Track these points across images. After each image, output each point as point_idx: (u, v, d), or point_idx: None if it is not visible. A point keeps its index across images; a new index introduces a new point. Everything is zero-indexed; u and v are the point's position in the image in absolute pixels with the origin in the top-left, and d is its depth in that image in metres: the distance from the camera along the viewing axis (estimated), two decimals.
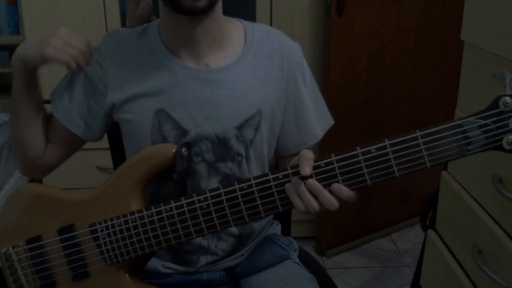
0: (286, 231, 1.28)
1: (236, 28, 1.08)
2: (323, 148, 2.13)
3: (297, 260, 1.16)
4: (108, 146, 1.20)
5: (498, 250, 1.08)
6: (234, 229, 1.10)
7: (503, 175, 1.06)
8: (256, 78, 1.05)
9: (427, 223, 1.51)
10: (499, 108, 0.78)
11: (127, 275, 1.00)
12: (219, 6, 1.01)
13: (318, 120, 1.13)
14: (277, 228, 1.23)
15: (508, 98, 0.78)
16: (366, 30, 2.12)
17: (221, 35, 1.05)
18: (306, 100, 1.10)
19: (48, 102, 1.08)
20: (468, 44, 1.21)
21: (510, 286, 1.04)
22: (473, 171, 1.20)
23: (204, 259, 1.09)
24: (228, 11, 1.07)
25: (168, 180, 1.00)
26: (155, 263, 1.09)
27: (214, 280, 1.10)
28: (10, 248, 1.04)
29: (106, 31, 2.12)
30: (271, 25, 2.13)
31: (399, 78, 2.30)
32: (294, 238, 1.22)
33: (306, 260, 1.20)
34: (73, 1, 2.09)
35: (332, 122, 1.16)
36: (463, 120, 0.80)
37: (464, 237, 1.23)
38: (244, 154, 1.05)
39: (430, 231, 1.44)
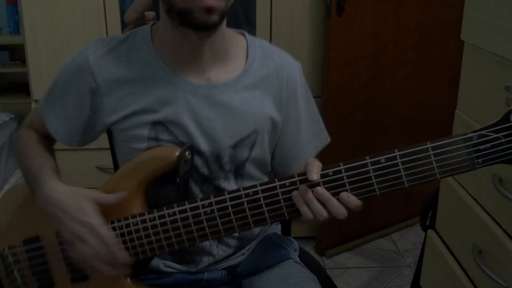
0: (286, 231, 1.28)
1: (239, 42, 1.06)
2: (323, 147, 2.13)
3: (298, 260, 1.16)
4: (108, 146, 1.20)
5: (498, 250, 1.08)
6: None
7: (503, 175, 1.06)
8: (254, 97, 1.03)
9: (427, 223, 1.51)
10: (510, 122, 0.78)
11: (127, 278, 1.00)
12: (224, 20, 0.99)
13: (313, 139, 1.13)
14: (276, 228, 1.23)
15: None
16: (366, 30, 2.11)
17: (225, 50, 1.03)
18: (303, 121, 1.10)
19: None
20: (468, 44, 1.21)
21: (510, 286, 1.04)
22: (473, 171, 1.19)
23: (206, 261, 1.09)
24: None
25: (168, 183, 0.99)
26: (156, 262, 1.09)
27: (215, 280, 1.10)
28: (7, 249, 1.03)
29: (106, 31, 2.12)
30: (271, 25, 2.14)
31: (399, 78, 2.30)
32: (294, 238, 1.22)
33: (306, 260, 1.20)
34: (73, 1, 2.09)
35: (328, 140, 1.15)
36: (474, 134, 0.80)
37: (464, 237, 1.23)
38: (236, 172, 1.05)
39: (430, 231, 1.44)
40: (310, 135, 1.11)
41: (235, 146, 1.03)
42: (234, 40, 1.06)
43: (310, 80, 2.23)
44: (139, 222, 0.94)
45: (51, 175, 0.99)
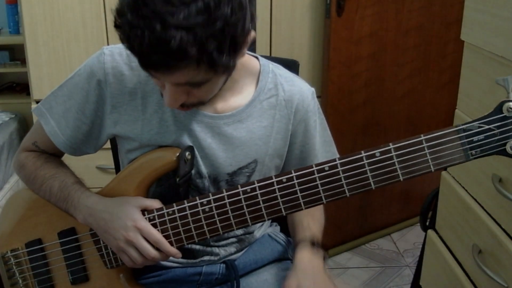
0: (285, 232, 1.28)
1: (250, 68, 1.03)
2: None
3: None
4: (108, 146, 1.20)
5: (498, 250, 1.08)
6: (237, 233, 1.10)
7: (503, 175, 1.06)
8: (259, 128, 1.02)
9: (427, 223, 1.51)
10: (502, 113, 0.79)
11: (125, 280, 1.00)
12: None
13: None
14: (276, 229, 1.23)
15: None
16: (366, 30, 2.11)
17: (235, 80, 0.99)
18: (315, 147, 1.09)
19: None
20: (468, 44, 1.21)
21: (510, 286, 1.04)
22: (473, 171, 1.20)
23: (206, 258, 1.10)
24: None
25: (169, 184, 0.99)
26: None
27: (214, 273, 1.10)
28: (9, 252, 1.03)
29: (106, 31, 2.12)
30: (271, 25, 2.14)
31: (399, 78, 2.30)
32: None
33: None
34: (73, 1, 2.09)
35: None
36: (467, 125, 0.80)
37: (464, 237, 1.23)
38: None
39: (430, 231, 1.44)
40: (322, 158, 1.09)
41: (233, 174, 1.03)
42: (246, 66, 1.02)
43: (310, 80, 2.22)
44: None
45: (83, 190, 1.00)
